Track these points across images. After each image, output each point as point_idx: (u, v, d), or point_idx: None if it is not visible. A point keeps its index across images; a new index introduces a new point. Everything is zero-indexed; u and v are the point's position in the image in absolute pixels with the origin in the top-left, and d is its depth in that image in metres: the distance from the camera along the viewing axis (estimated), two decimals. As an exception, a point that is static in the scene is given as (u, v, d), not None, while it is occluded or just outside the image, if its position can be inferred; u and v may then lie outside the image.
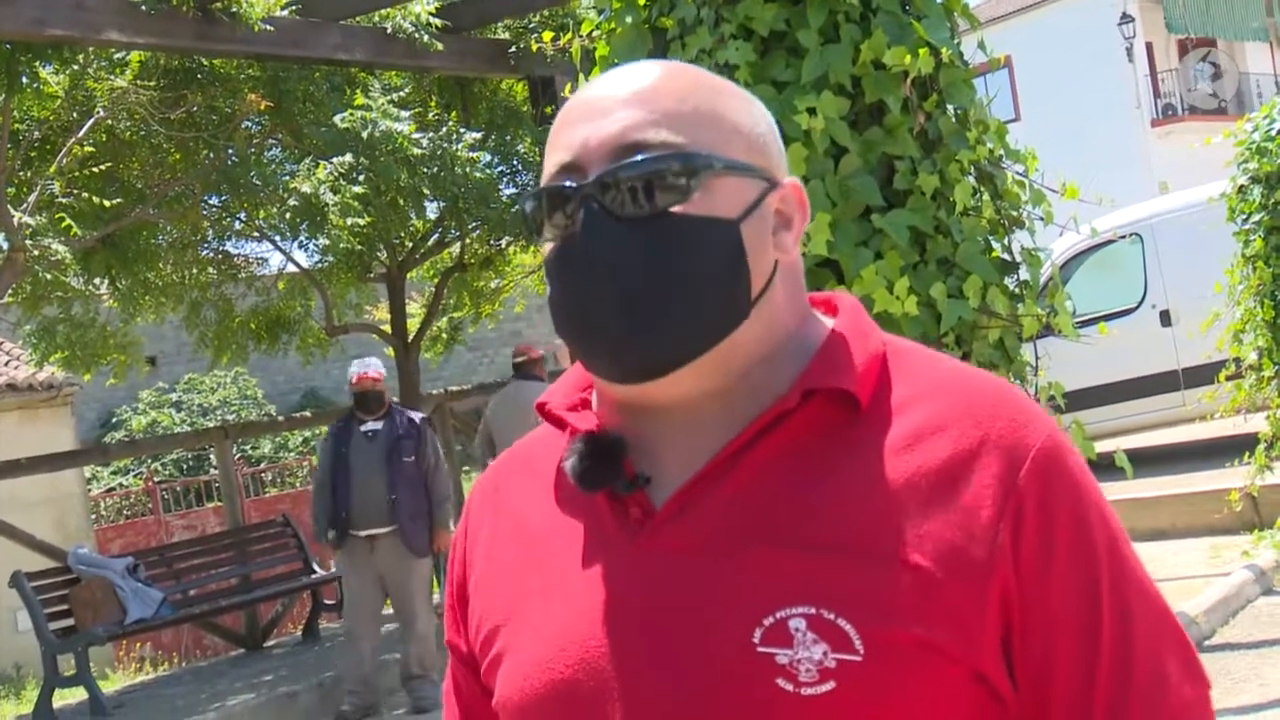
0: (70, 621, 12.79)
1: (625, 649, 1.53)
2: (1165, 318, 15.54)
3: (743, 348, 1.58)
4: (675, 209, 1.54)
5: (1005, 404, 1.56)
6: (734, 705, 1.45)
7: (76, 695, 12.95)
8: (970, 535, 1.47)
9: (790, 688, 1.43)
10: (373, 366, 11.03)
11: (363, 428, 10.81)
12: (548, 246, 1.62)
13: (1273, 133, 11.32)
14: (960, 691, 1.47)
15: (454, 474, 16.93)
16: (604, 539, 1.60)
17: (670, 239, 1.54)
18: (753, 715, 1.45)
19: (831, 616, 1.44)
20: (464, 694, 1.83)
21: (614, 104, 1.60)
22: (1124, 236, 16.05)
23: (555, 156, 1.62)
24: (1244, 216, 11.48)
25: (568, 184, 1.57)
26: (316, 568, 14.25)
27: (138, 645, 18.48)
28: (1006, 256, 5.28)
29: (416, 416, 11.24)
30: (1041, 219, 5.35)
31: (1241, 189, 11.50)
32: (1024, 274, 5.30)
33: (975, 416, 1.53)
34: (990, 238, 5.22)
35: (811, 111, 4.89)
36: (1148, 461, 9.79)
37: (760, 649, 1.45)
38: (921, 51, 4.97)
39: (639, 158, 1.55)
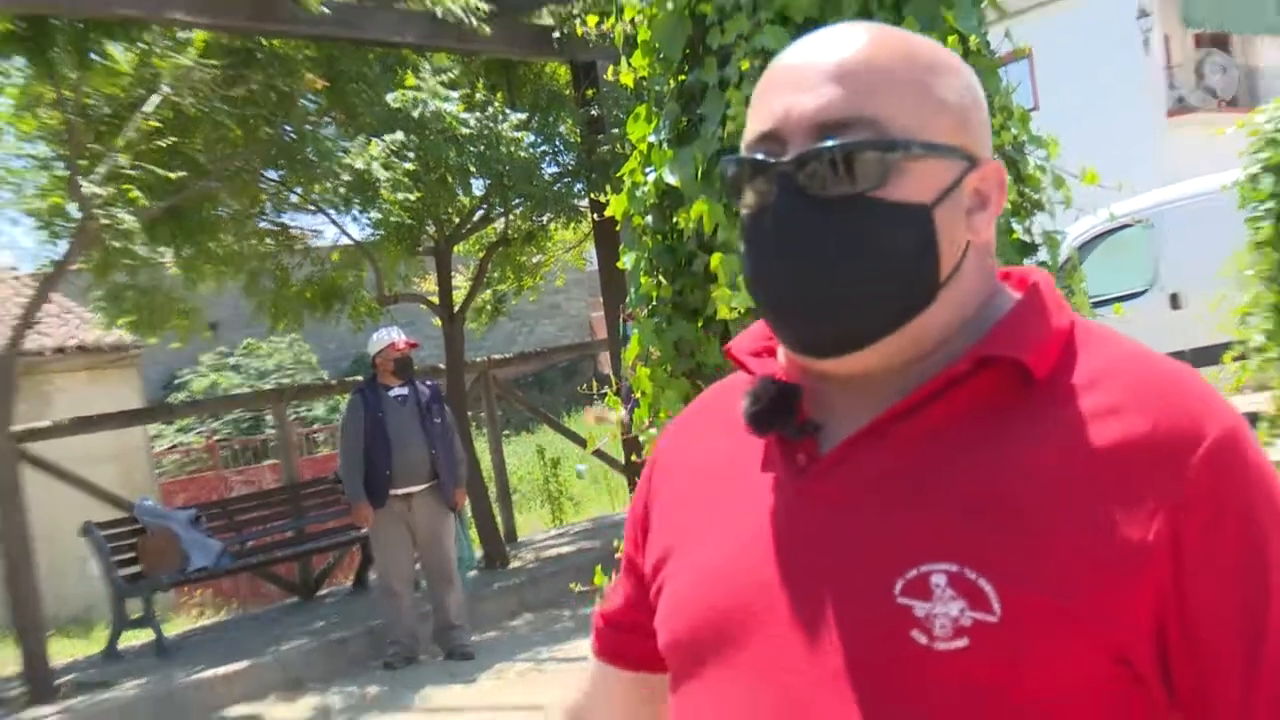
0: (137, 569, 12.88)
1: (775, 585, 1.50)
2: (1175, 300, 15.51)
3: (927, 329, 1.53)
4: (870, 193, 1.49)
5: (1183, 392, 1.48)
6: (868, 651, 1.43)
7: (141, 637, 12.98)
8: (1128, 521, 1.40)
9: (924, 640, 1.40)
10: (399, 335, 11.19)
11: (391, 393, 10.84)
12: (744, 210, 1.57)
13: (1283, 124, 11.26)
14: (1098, 670, 1.40)
15: (493, 434, 16.97)
16: (768, 480, 1.57)
17: (861, 223, 1.49)
18: (885, 663, 1.42)
19: (973, 576, 1.40)
20: (628, 608, 1.81)
21: (818, 76, 1.52)
22: (1138, 222, 16.05)
23: (756, 123, 1.57)
24: (1255, 204, 11.43)
25: (766, 157, 1.52)
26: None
27: (198, 592, 18.53)
28: (1027, 238, 5.23)
29: (430, 384, 11.29)
30: (1062, 203, 5.31)
31: (1253, 177, 11.45)
32: (1043, 255, 5.25)
33: (1150, 403, 1.46)
34: (1013, 219, 5.17)
35: (843, 95, 4.83)
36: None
37: (900, 599, 1.41)
38: (950, 39, 4.93)
39: (836, 140, 1.48)
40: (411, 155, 12.60)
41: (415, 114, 12.66)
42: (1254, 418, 11.74)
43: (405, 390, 10.99)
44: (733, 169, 1.57)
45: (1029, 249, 5.23)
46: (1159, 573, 1.39)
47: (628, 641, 1.81)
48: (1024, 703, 1.39)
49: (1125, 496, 1.40)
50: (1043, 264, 5.26)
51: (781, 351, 1.64)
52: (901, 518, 1.46)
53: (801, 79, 1.53)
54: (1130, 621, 1.39)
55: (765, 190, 1.52)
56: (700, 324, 5.18)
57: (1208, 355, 13.53)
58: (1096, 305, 5.71)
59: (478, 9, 12.53)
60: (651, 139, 5.18)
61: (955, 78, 1.58)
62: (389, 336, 11.17)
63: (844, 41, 1.55)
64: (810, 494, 1.52)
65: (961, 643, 1.38)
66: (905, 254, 1.49)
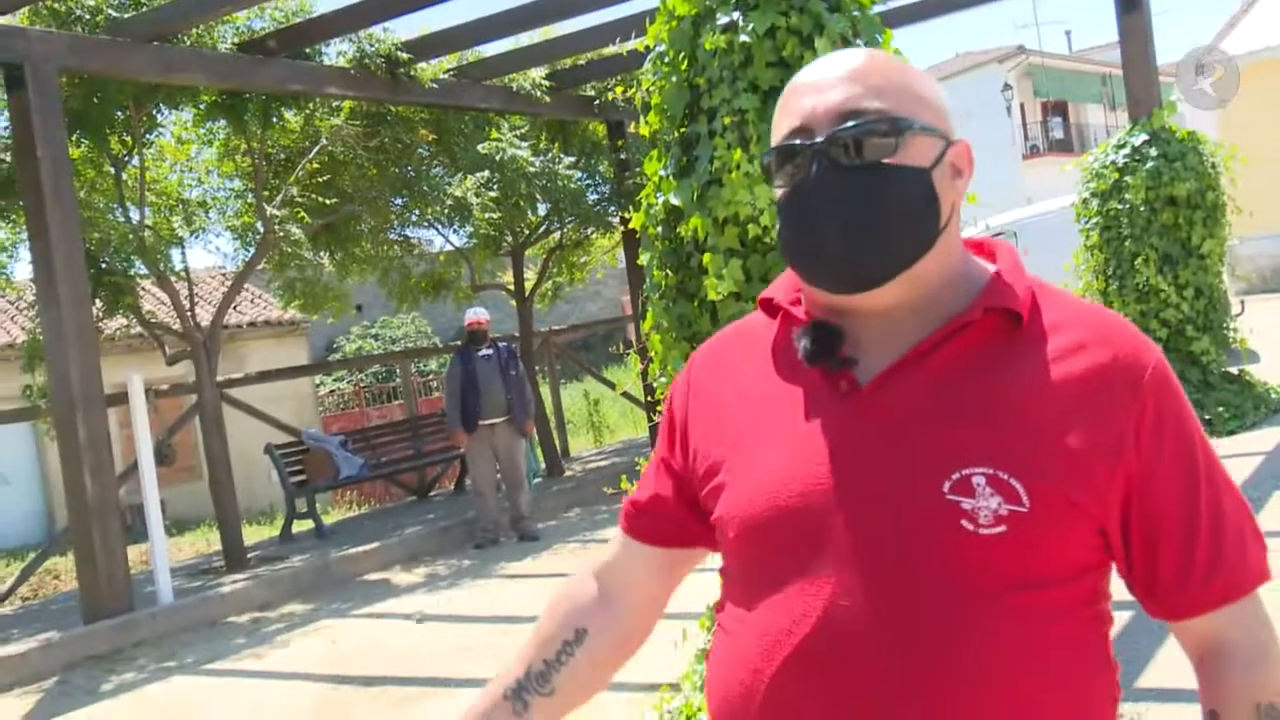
0: (303, 477, 12.90)
1: (839, 486, 1.43)
2: (1030, 288, 15.52)
3: (930, 269, 1.49)
4: (885, 160, 1.46)
5: (1125, 333, 1.49)
6: (926, 536, 1.38)
7: (306, 525, 12.99)
8: (1107, 426, 1.40)
9: (971, 527, 1.36)
10: (482, 314, 11.36)
11: (479, 354, 10.98)
12: (779, 191, 1.53)
13: (1105, 164, 11.23)
14: (1089, 541, 1.42)
15: (553, 383, 16.98)
16: (819, 403, 1.50)
17: (881, 183, 1.46)
18: (941, 545, 1.37)
19: (1006, 477, 1.37)
20: (662, 500, 1.71)
21: (834, 81, 1.50)
22: (1006, 231, 16.06)
23: (786, 122, 1.52)
24: (1086, 219, 11.43)
25: (800, 141, 1.49)
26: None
27: (346, 493, 18.55)
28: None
29: (506, 345, 11.34)
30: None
31: (1085, 201, 11.45)
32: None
33: (1105, 339, 1.46)
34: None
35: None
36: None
37: (949, 496, 1.37)
38: (872, 101, 4.85)
39: (857, 123, 1.46)
40: (495, 187, 12.62)
41: (497, 158, 12.67)
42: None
43: (490, 351, 11.06)
44: (769, 158, 1.54)
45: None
46: (1129, 461, 1.40)
47: (651, 525, 1.73)
48: (1041, 570, 1.38)
49: (1101, 408, 1.41)
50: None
51: (807, 303, 1.59)
52: (938, 431, 1.42)
53: (821, 84, 1.51)
54: (1109, 502, 1.41)
55: (801, 167, 1.48)
56: (696, 304, 5.15)
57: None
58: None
59: (541, 85, 12.64)
60: (661, 173, 5.17)
61: (930, 81, 1.56)
62: (471, 314, 11.30)
63: (849, 58, 1.53)
64: (859, 414, 1.46)
65: (1001, 529, 1.36)
66: (915, 205, 1.47)
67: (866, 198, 1.45)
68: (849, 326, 1.51)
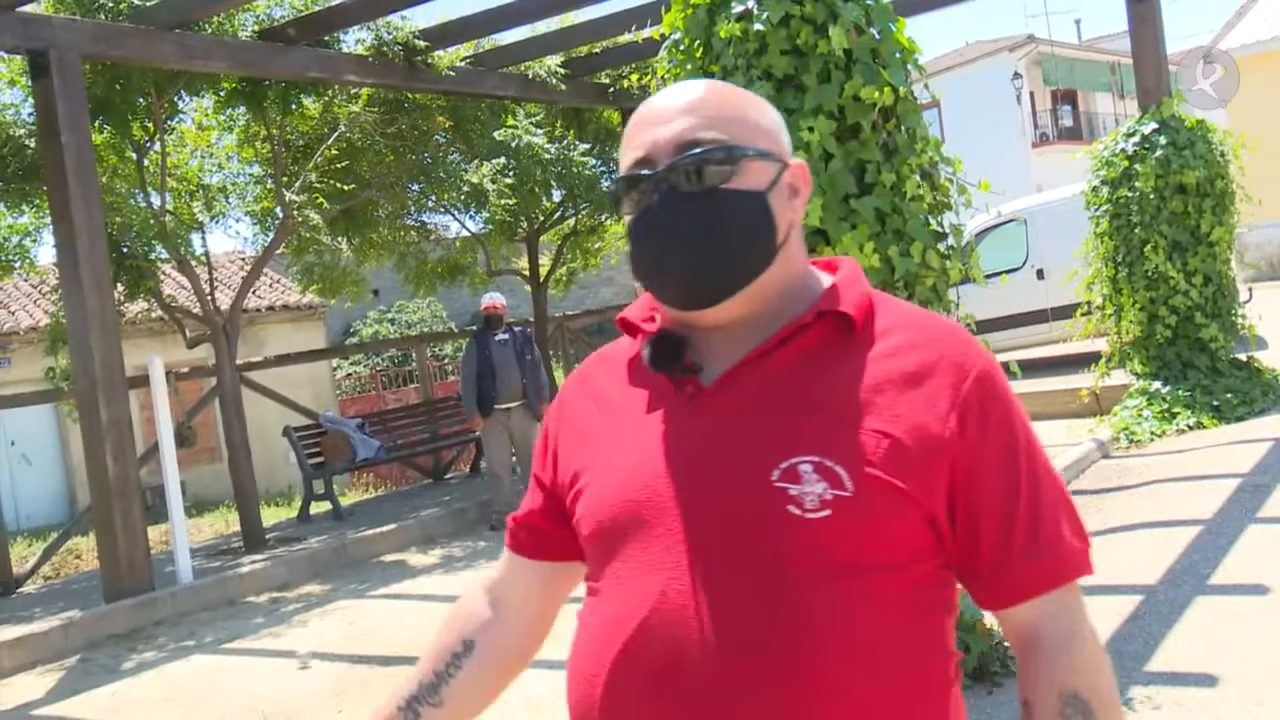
0: (320, 459, 12.92)
1: (678, 481, 1.49)
2: (1040, 274, 15.44)
3: (770, 283, 1.55)
4: (723, 185, 1.51)
5: (956, 336, 1.54)
6: (754, 521, 1.42)
7: (323, 507, 13.04)
8: (931, 419, 1.45)
9: (798, 512, 1.41)
10: (498, 299, 11.33)
11: (495, 338, 10.94)
12: (628, 217, 1.58)
13: (1115, 152, 11.20)
14: (918, 529, 1.44)
15: (567, 368, 17.00)
16: (666, 406, 1.56)
17: (719, 206, 1.51)
18: (768, 529, 1.42)
19: (831, 463, 1.42)
20: (535, 514, 1.76)
21: (674, 113, 1.55)
22: (1016, 218, 16.03)
23: (631, 153, 1.57)
24: (1095, 206, 11.40)
25: (643, 171, 1.54)
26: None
27: (363, 475, 18.60)
28: (939, 229, 5.18)
29: (522, 330, 11.33)
30: (964, 204, 5.25)
31: (1094, 188, 11.42)
32: (951, 241, 5.18)
33: (935, 342, 1.52)
34: (929, 216, 5.11)
35: (810, 129, 4.80)
36: (1028, 368, 9.77)
37: (777, 484, 1.42)
38: (886, 90, 4.86)
39: (696, 151, 1.51)
40: (510, 174, 12.59)
41: (513, 145, 12.69)
42: (1096, 356, 11.74)
43: (506, 335, 11.03)
44: (614, 187, 1.60)
45: (940, 236, 5.17)
46: (952, 455, 1.44)
47: (530, 539, 1.78)
48: (868, 553, 1.42)
49: (928, 403, 1.46)
50: (951, 248, 5.20)
51: (661, 319, 1.64)
52: (771, 425, 1.47)
53: (662, 117, 1.56)
54: (935, 492, 1.44)
55: (645, 194, 1.54)
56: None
57: (1064, 312, 13.58)
58: (988, 276, 5.64)
59: (556, 73, 12.60)
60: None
61: (765, 107, 1.62)
62: (486, 299, 11.27)
63: (689, 90, 1.58)
64: (701, 413, 1.52)
65: (826, 513, 1.40)
66: (752, 225, 1.52)
67: (706, 220, 1.51)
68: (698, 338, 1.57)
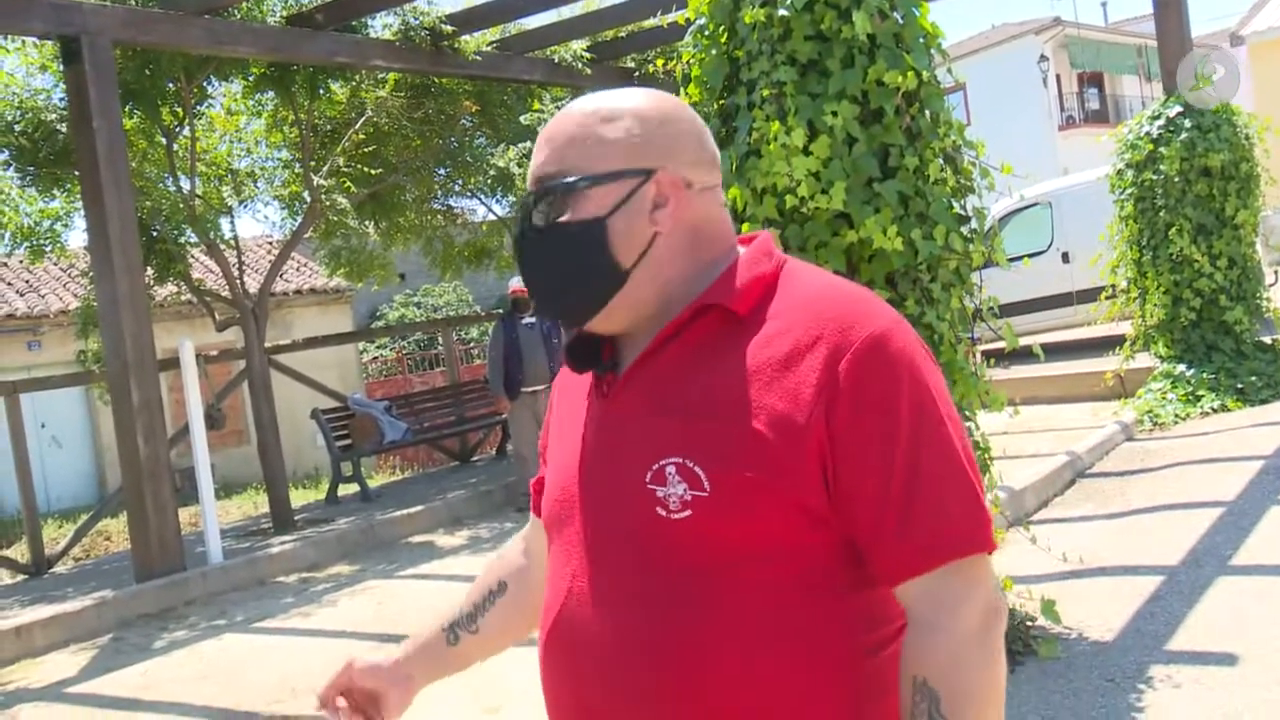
0: (348, 441, 13.00)
1: (584, 478, 1.59)
2: (1065, 257, 15.38)
3: (637, 294, 1.57)
4: (557, 220, 1.56)
5: (845, 310, 1.48)
6: (631, 522, 1.49)
7: (351, 489, 13.11)
8: (794, 406, 1.43)
9: (663, 513, 1.46)
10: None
11: (522, 321, 10.90)
12: None
13: (1140, 135, 11.17)
14: (789, 517, 1.44)
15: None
16: (590, 403, 1.64)
17: (558, 240, 1.56)
18: (641, 530, 1.48)
19: (691, 464, 1.45)
20: (543, 482, 1.85)
21: (540, 143, 1.60)
22: (1040, 202, 15.97)
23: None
24: (1120, 190, 11.36)
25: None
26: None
27: (390, 458, 18.68)
28: (962, 212, 5.18)
29: None
30: (987, 187, 5.25)
31: (1119, 172, 11.38)
32: (974, 224, 5.18)
33: (817, 320, 1.47)
34: (952, 199, 5.11)
35: (834, 113, 4.81)
36: (1052, 351, 9.75)
37: (648, 485, 1.48)
38: (909, 74, 4.86)
39: (537, 190, 1.58)
40: (536, 158, 12.60)
41: (539, 129, 12.63)
42: (1120, 339, 11.73)
43: (533, 319, 11.01)
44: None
45: (963, 220, 5.17)
46: (818, 441, 1.42)
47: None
48: (738, 547, 1.44)
49: (794, 392, 1.44)
50: (974, 231, 5.20)
51: None
52: (647, 426, 1.52)
53: (538, 144, 1.60)
54: (803, 481, 1.43)
55: (518, 220, 1.62)
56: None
57: (1089, 295, 13.54)
58: (1011, 259, 5.64)
59: (582, 57, 12.58)
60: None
61: (626, 123, 1.57)
62: (516, 283, 11.21)
63: (559, 116, 1.61)
64: (606, 412, 1.59)
65: (687, 514, 1.44)
66: (586, 257, 1.55)
67: (540, 258, 1.59)
68: (619, 338, 1.64)
